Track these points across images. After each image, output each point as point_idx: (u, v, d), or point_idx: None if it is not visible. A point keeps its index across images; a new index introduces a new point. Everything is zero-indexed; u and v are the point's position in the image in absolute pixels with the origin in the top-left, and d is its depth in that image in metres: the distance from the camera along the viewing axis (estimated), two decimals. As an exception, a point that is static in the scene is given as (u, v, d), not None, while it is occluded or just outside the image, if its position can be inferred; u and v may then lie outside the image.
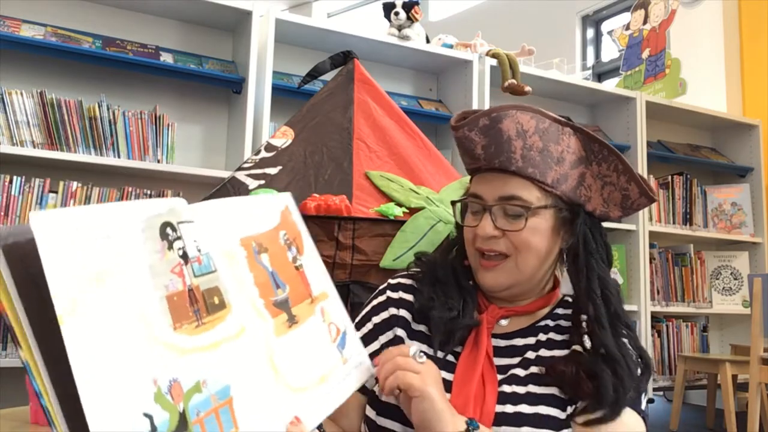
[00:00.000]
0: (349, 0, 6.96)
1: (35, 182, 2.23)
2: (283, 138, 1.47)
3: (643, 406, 0.90)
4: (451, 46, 3.19)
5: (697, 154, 3.91)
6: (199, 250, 0.62)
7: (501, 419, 0.84)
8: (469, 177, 1.00)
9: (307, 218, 0.93)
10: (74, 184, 2.27)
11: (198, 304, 0.59)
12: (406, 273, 1.04)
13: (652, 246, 3.53)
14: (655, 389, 3.43)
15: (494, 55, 3.14)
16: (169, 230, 0.59)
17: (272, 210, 0.78)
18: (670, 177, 3.73)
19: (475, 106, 3.05)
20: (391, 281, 1.03)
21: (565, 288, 0.97)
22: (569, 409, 0.86)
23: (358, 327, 0.98)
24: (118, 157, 2.36)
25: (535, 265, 0.92)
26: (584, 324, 0.89)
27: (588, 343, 0.87)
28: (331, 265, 1.32)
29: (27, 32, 2.33)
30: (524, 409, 0.85)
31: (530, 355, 0.91)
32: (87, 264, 0.51)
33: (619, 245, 3.46)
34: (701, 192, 3.84)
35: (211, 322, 0.60)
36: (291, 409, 0.66)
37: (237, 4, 2.59)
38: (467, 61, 3.12)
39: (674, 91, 4.08)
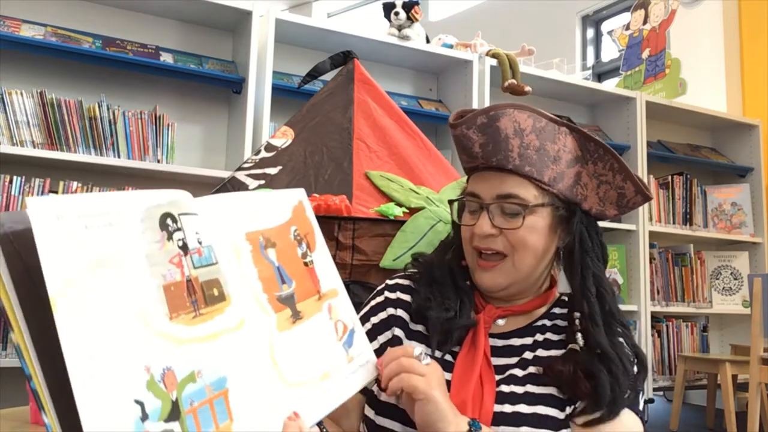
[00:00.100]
0: (349, 0, 6.96)
1: (35, 182, 2.23)
2: (283, 138, 1.47)
3: (641, 406, 0.90)
4: (451, 46, 3.19)
5: (697, 154, 3.91)
6: (200, 242, 0.62)
7: (499, 419, 0.85)
8: (466, 177, 1.01)
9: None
10: (74, 184, 2.27)
11: (196, 295, 0.59)
12: (403, 274, 1.04)
13: (652, 246, 3.53)
14: (655, 389, 3.43)
15: (494, 55, 3.14)
16: (169, 221, 0.59)
17: (284, 205, 0.78)
18: (670, 177, 3.73)
19: (475, 106, 3.05)
20: (389, 282, 1.03)
21: (562, 287, 0.97)
22: (568, 410, 0.87)
23: None
24: (118, 157, 2.36)
25: (532, 263, 0.92)
26: (577, 322, 0.89)
27: (581, 341, 0.88)
28: (331, 265, 1.32)
29: (27, 32, 2.33)
30: (523, 408, 0.85)
31: (528, 355, 0.91)
32: (82, 249, 0.51)
33: (619, 245, 3.46)
34: (701, 192, 3.84)
35: (210, 313, 0.60)
36: (290, 404, 0.66)
37: (237, 4, 2.59)
38: (467, 61, 3.12)
39: (674, 91, 4.08)
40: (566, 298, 0.97)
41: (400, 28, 2.98)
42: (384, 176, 1.44)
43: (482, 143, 0.90)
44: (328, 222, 1.32)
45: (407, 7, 2.97)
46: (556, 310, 0.97)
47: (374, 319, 0.99)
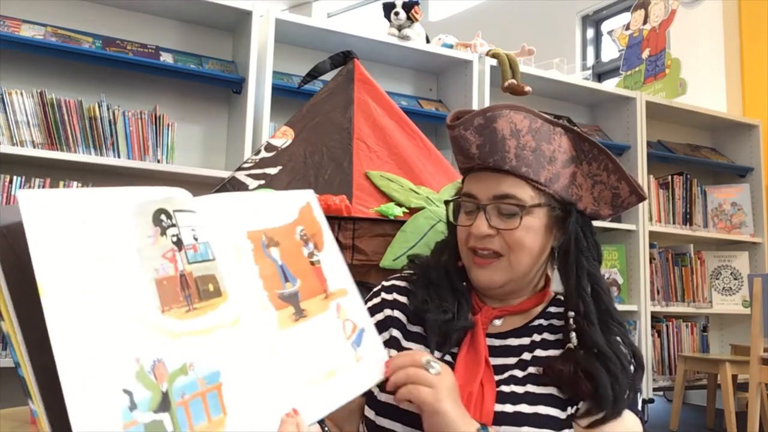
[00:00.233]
0: (349, 0, 6.96)
1: (35, 182, 2.23)
2: (283, 138, 1.47)
3: (639, 406, 0.91)
4: (451, 46, 3.19)
5: (697, 154, 3.91)
6: (196, 239, 0.63)
7: (500, 418, 0.85)
8: (462, 178, 1.01)
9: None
10: (74, 184, 2.27)
11: (189, 290, 0.60)
12: (399, 275, 1.04)
13: (652, 246, 3.53)
14: (655, 389, 3.43)
15: (494, 55, 3.14)
16: (163, 217, 0.60)
17: (291, 206, 0.79)
18: (670, 177, 3.73)
19: (475, 106, 3.05)
20: (385, 283, 1.03)
21: (556, 286, 0.97)
22: (569, 410, 0.87)
23: None
24: (118, 157, 2.36)
25: (528, 263, 0.92)
26: (571, 321, 0.90)
27: (575, 340, 0.88)
28: (331, 265, 1.32)
29: (27, 32, 2.33)
30: (524, 408, 0.85)
31: (526, 356, 0.91)
32: (72, 240, 0.52)
33: (619, 245, 3.46)
34: (701, 192, 3.84)
35: (204, 308, 0.61)
36: (289, 401, 0.66)
37: (237, 4, 2.59)
38: (467, 61, 3.12)
39: (674, 91, 4.08)
40: (561, 297, 0.97)
41: (400, 28, 2.98)
42: (384, 176, 1.44)
43: (479, 144, 0.90)
44: (328, 222, 1.32)
45: (407, 7, 2.97)
46: (552, 309, 0.97)
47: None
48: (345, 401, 0.75)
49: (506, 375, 0.90)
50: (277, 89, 2.64)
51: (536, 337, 0.93)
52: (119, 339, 0.53)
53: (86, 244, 0.53)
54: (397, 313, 0.97)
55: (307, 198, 0.81)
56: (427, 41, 3.12)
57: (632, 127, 3.55)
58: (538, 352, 0.91)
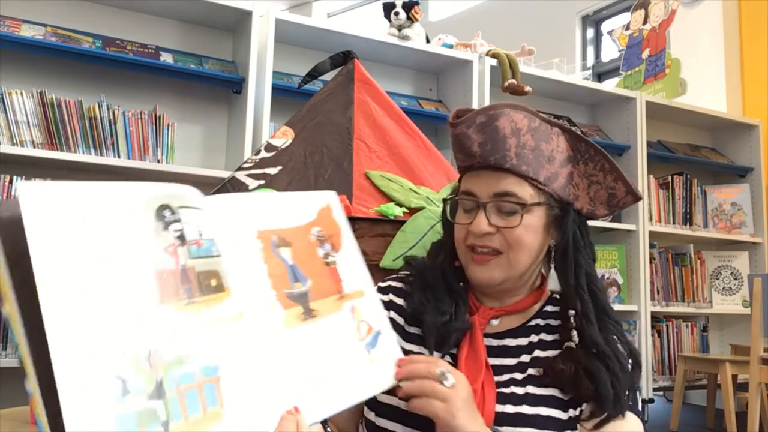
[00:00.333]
0: (349, 0, 6.96)
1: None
2: (283, 138, 1.47)
3: (639, 406, 0.91)
4: (451, 46, 3.19)
5: (697, 154, 3.91)
6: (200, 235, 0.63)
7: (501, 419, 0.85)
8: (459, 178, 1.01)
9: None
10: (74, 184, 2.27)
11: (190, 284, 0.61)
12: (396, 276, 1.04)
13: (652, 246, 3.53)
14: (655, 389, 3.43)
15: (494, 55, 3.14)
16: (166, 212, 0.61)
17: (308, 207, 0.79)
18: (670, 177, 3.73)
19: (475, 106, 3.04)
20: (381, 284, 1.03)
21: (553, 285, 0.97)
22: (571, 411, 0.87)
23: None
24: (118, 157, 2.36)
25: (527, 261, 0.92)
26: (572, 320, 0.90)
27: (576, 339, 0.88)
28: (331, 265, 1.32)
29: (27, 32, 2.33)
30: (525, 410, 0.85)
31: (525, 358, 0.91)
32: (70, 233, 0.53)
33: (619, 245, 3.46)
34: (701, 192, 3.84)
35: (205, 302, 0.61)
36: (292, 398, 0.66)
37: (237, 4, 2.59)
38: (467, 61, 3.12)
39: (674, 91, 4.08)
40: (557, 296, 0.97)
41: (400, 28, 2.98)
42: (384, 176, 1.44)
43: (481, 142, 0.91)
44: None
45: (407, 7, 2.96)
46: (549, 308, 0.97)
47: None
48: (353, 403, 0.74)
49: (505, 376, 0.90)
50: (277, 89, 2.64)
51: (534, 338, 0.93)
52: (115, 328, 0.54)
53: (86, 237, 0.54)
54: (394, 315, 0.97)
55: (327, 199, 0.82)
56: (427, 41, 3.12)
57: (632, 127, 3.55)
58: (537, 353, 0.91)
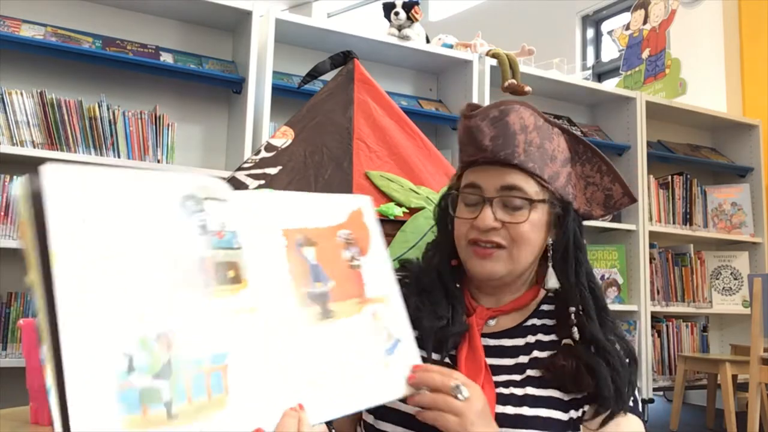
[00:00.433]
0: (349, 0, 6.96)
1: (35, 182, 2.23)
2: (283, 138, 1.47)
3: (639, 405, 0.92)
4: (451, 46, 3.19)
5: (697, 154, 3.91)
6: (223, 226, 0.65)
7: (502, 420, 0.84)
8: (458, 174, 1.00)
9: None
10: (74, 184, 2.27)
11: (208, 273, 0.62)
12: None
13: (652, 246, 3.53)
14: (655, 389, 3.43)
15: (494, 55, 3.14)
16: (190, 202, 0.63)
17: (339, 209, 0.80)
18: (670, 177, 3.73)
19: (475, 106, 3.04)
20: None
21: (551, 283, 0.97)
22: (572, 412, 0.87)
23: None
24: (118, 157, 2.36)
25: (528, 258, 0.92)
26: (573, 317, 0.90)
27: (577, 335, 0.89)
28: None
29: (27, 32, 2.33)
30: (525, 411, 0.85)
31: (523, 359, 0.91)
32: (90, 213, 0.55)
33: (619, 245, 3.46)
34: (701, 192, 3.84)
35: (220, 292, 0.62)
36: (297, 396, 0.66)
37: (237, 4, 2.59)
38: (467, 61, 3.12)
39: (674, 91, 4.08)
40: (552, 294, 0.97)
41: (400, 28, 2.98)
42: (384, 176, 1.44)
43: (493, 136, 0.90)
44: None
45: (407, 7, 2.96)
46: (545, 307, 0.97)
47: None
48: (360, 408, 0.74)
49: (503, 377, 0.89)
50: (277, 89, 2.64)
51: (530, 339, 0.93)
52: (127, 306, 0.55)
53: (105, 220, 0.56)
54: None
55: (360, 203, 0.82)
56: (427, 41, 3.12)
57: (632, 127, 3.55)
58: (536, 354, 0.91)
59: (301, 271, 0.72)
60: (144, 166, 2.38)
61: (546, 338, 0.93)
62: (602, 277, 3.41)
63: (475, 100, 3.08)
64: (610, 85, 4.23)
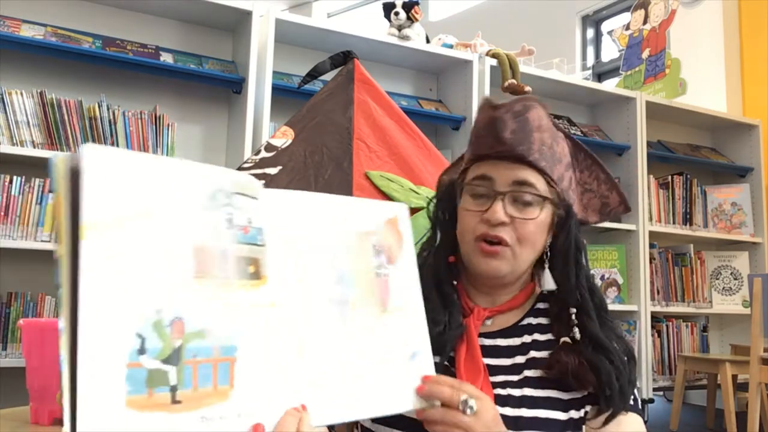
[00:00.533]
0: (349, 0, 6.96)
1: (35, 182, 2.23)
2: (283, 138, 1.47)
3: (639, 404, 0.93)
4: (451, 46, 3.19)
5: (697, 154, 3.91)
6: (249, 222, 0.65)
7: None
8: (463, 168, 1.00)
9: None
10: (74, 184, 2.27)
11: (228, 266, 0.62)
12: None
13: (652, 246, 3.53)
14: (655, 389, 3.43)
15: (494, 55, 3.14)
16: (220, 196, 0.63)
17: (374, 215, 0.79)
18: (670, 177, 3.73)
19: (475, 107, 3.04)
20: None
21: (549, 284, 0.96)
22: (572, 412, 0.87)
23: None
24: (118, 157, 2.36)
25: (530, 257, 0.92)
26: (573, 317, 0.90)
27: (578, 335, 0.89)
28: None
29: (27, 32, 2.33)
30: (524, 412, 0.85)
31: (520, 359, 0.91)
32: (122, 195, 0.56)
33: (619, 245, 3.46)
34: (701, 192, 3.84)
35: (240, 286, 0.63)
36: (303, 396, 0.66)
37: (237, 4, 2.59)
38: (467, 61, 3.12)
39: (674, 91, 4.08)
40: (547, 292, 0.96)
41: (400, 28, 2.98)
42: (384, 176, 1.44)
43: (514, 129, 0.89)
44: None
45: (407, 7, 2.97)
46: (540, 306, 0.97)
47: None
48: (366, 416, 0.73)
49: (500, 377, 0.89)
50: (277, 89, 2.64)
51: (527, 338, 0.93)
52: (145, 289, 0.56)
53: (136, 202, 0.57)
54: None
55: (396, 211, 0.81)
56: (427, 41, 3.12)
57: (632, 127, 3.55)
58: (533, 354, 0.91)
59: (325, 274, 0.71)
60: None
61: (542, 338, 0.93)
62: (602, 277, 3.41)
63: (475, 100, 3.08)
64: (610, 85, 4.23)
